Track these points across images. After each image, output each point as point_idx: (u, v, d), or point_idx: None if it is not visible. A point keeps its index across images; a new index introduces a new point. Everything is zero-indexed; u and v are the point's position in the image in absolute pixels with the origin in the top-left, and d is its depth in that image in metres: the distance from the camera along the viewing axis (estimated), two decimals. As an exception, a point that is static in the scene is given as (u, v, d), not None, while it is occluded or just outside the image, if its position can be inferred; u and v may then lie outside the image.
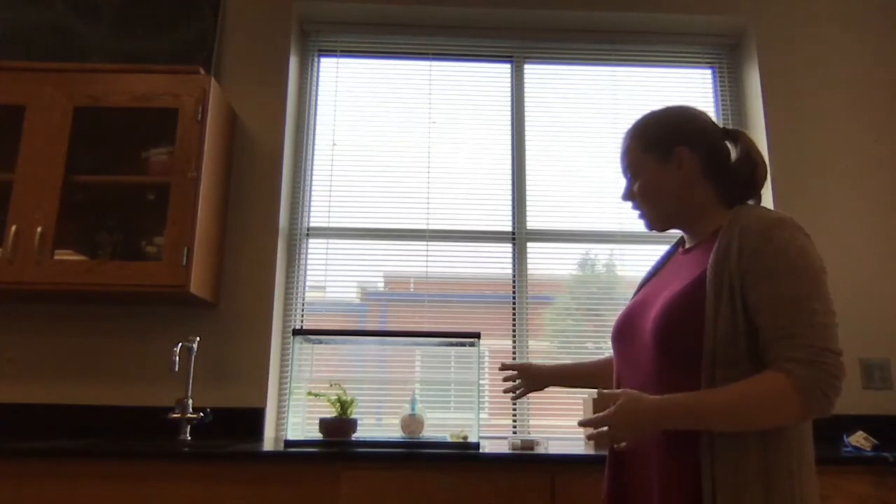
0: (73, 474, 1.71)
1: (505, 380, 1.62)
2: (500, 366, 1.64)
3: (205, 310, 2.38)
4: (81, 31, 2.57)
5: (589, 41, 2.84)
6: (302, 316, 2.58)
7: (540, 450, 1.84)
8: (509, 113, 2.80)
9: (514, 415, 2.49)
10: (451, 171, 2.72)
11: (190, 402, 2.18)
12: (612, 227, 2.67)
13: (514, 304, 2.60)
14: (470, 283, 2.65)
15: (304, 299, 2.60)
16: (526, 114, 2.79)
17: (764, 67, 2.68)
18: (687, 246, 1.25)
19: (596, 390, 2.10)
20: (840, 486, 1.72)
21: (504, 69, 2.85)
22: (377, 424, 2.48)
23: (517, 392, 1.60)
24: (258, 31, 2.64)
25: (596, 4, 2.72)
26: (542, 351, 2.58)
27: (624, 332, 1.22)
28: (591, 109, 2.81)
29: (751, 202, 1.20)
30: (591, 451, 1.83)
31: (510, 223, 2.68)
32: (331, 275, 2.63)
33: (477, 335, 2.07)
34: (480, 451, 1.80)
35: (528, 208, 2.69)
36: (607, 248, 2.69)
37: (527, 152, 2.75)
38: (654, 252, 2.61)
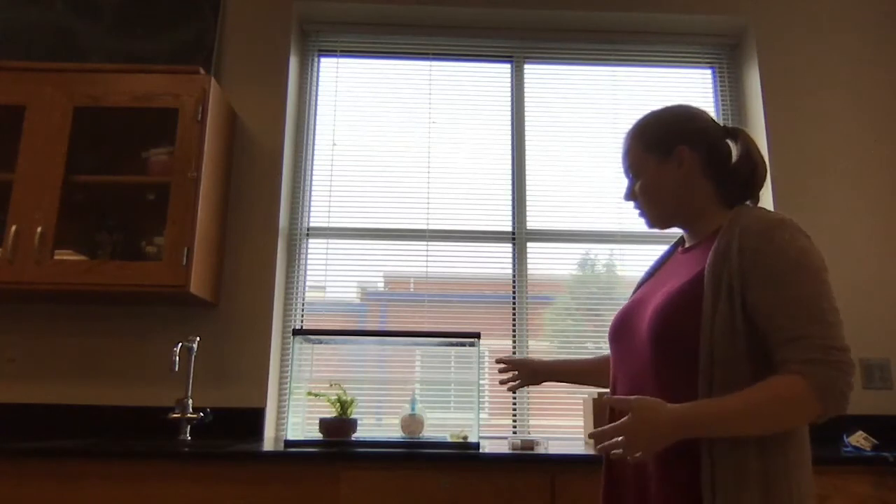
0: (74, 474, 1.71)
1: (501, 371, 1.62)
2: (496, 359, 1.64)
3: (205, 310, 2.38)
4: (81, 31, 2.57)
5: (589, 41, 2.84)
6: (302, 316, 2.58)
7: (540, 450, 1.84)
8: (509, 113, 2.80)
9: (514, 415, 2.49)
10: (451, 171, 2.72)
11: (190, 402, 2.18)
12: (612, 227, 2.67)
13: (514, 304, 2.61)
14: (470, 283, 2.65)
15: (304, 299, 2.60)
16: (526, 114, 2.79)
17: (764, 67, 2.68)
18: (686, 245, 1.25)
19: (597, 392, 2.11)
20: (840, 486, 1.72)
21: (504, 69, 2.85)
22: (377, 424, 2.48)
23: (514, 384, 1.59)
24: (258, 31, 2.64)
25: (596, 4, 2.72)
26: (542, 351, 2.58)
27: (621, 330, 1.22)
28: (591, 109, 2.81)
29: (750, 202, 1.20)
30: (591, 452, 1.83)
31: (510, 223, 2.68)
32: (331, 275, 2.63)
33: (477, 335, 2.07)
34: (480, 451, 1.80)
35: (528, 208, 2.69)
36: (607, 248, 2.69)
37: (527, 152, 2.75)
38: (653, 252, 2.61)
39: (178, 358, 2.07)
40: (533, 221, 2.68)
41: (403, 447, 1.84)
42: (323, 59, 2.84)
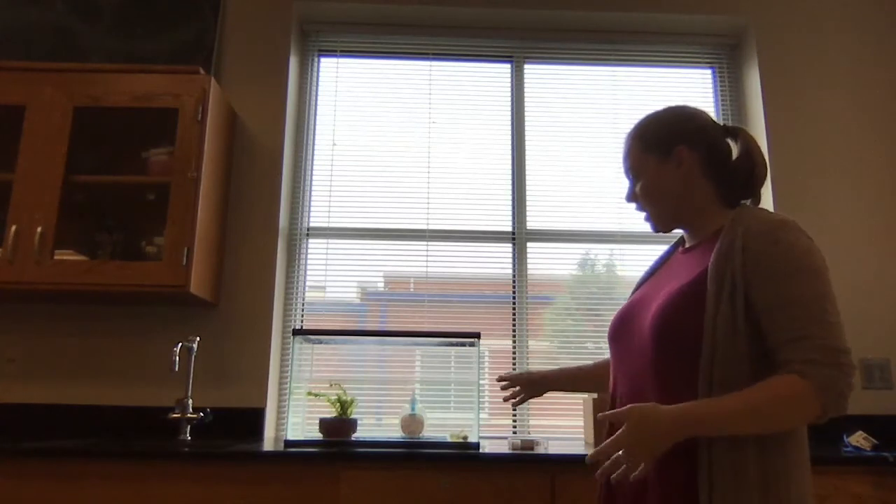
0: (74, 474, 1.71)
1: (504, 388, 1.61)
2: (497, 378, 1.63)
3: (205, 310, 2.38)
4: (81, 31, 2.57)
5: (589, 41, 2.84)
6: (302, 316, 2.58)
7: (540, 450, 1.84)
8: (509, 113, 2.80)
9: (514, 415, 2.49)
10: (451, 171, 2.72)
11: (190, 402, 2.18)
12: (612, 227, 2.67)
13: (514, 304, 2.60)
14: (470, 283, 2.65)
15: (304, 299, 2.60)
16: (526, 114, 2.79)
17: (764, 67, 2.68)
18: (687, 245, 1.25)
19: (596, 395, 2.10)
20: (840, 486, 1.72)
21: (504, 69, 2.85)
22: (377, 424, 2.48)
23: (517, 399, 1.59)
24: (258, 31, 2.64)
25: (596, 4, 2.72)
26: (542, 351, 2.58)
27: (621, 330, 1.22)
28: (591, 109, 2.81)
29: (751, 202, 1.20)
30: (591, 452, 1.83)
31: (510, 223, 2.68)
32: (331, 275, 2.63)
33: (477, 335, 2.07)
34: (480, 451, 1.80)
35: (528, 208, 2.69)
36: (607, 248, 2.69)
37: (527, 152, 2.75)
38: (653, 252, 2.61)
39: (178, 358, 2.07)
40: (533, 221, 2.68)
41: (403, 447, 1.84)
42: (323, 59, 2.84)
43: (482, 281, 2.65)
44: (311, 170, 2.71)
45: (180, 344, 2.12)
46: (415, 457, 1.74)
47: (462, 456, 1.73)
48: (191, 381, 2.22)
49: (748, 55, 2.77)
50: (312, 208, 2.67)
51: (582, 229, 2.68)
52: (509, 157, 2.75)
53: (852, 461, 1.75)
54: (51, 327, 2.35)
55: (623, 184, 1.30)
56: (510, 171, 2.73)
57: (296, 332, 2.13)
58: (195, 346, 2.23)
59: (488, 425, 2.50)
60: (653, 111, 1.28)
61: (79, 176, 2.17)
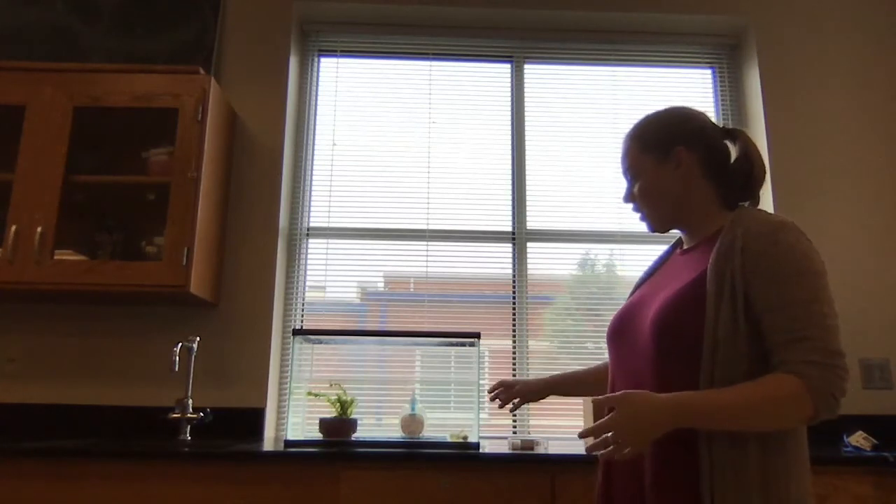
0: (74, 474, 1.71)
1: (492, 399, 1.61)
2: (490, 397, 1.63)
3: (205, 310, 2.38)
4: (81, 31, 2.57)
5: (589, 41, 2.83)
6: (302, 316, 2.58)
7: (540, 450, 1.84)
8: (509, 113, 2.80)
9: (514, 415, 2.49)
10: (451, 171, 2.72)
11: (190, 402, 2.18)
12: (612, 227, 2.67)
13: (514, 304, 2.60)
14: (470, 283, 2.65)
15: (304, 299, 2.60)
16: (526, 114, 2.79)
17: (764, 67, 2.68)
18: (685, 247, 1.25)
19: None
20: (840, 486, 1.72)
21: (504, 69, 2.85)
22: (377, 424, 2.48)
23: (512, 405, 1.59)
24: (258, 31, 2.64)
25: (596, 4, 2.72)
26: (542, 351, 2.58)
27: (620, 331, 1.22)
28: (591, 109, 2.81)
29: (750, 203, 1.20)
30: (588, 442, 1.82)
31: (510, 223, 2.68)
32: (331, 275, 2.63)
33: (477, 335, 2.07)
34: (480, 451, 1.80)
35: (528, 208, 2.69)
36: (607, 248, 2.69)
37: (527, 152, 2.75)
38: (653, 252, 2.61)
39: (178, 358, 2.07)
40: (533, 221, 2.68)
41: (403, 447, 1.84)
42: (323, 59, 2.84)
43: (482, 281, 2.65)
44: (311, 170, 2.71)
45: (180, 344, 2.12)
46: (415, 457, 1.74)
47: (462, 456, 1.73)
48: (191, 381, 2.22)
49: (748, 55, 2.77)
50: (312, 208, 2.67)
51: (582, 229, 2.68)
52: (509, 157, 2.75)
53: (852, 461, 1.75)
54: (51, 327, 2.35)
55: (622, 184, 1.30)
56: (510, 171, 2.73)
57: (296, 332, 2.13)
58: (195, 346, 2.23)
59: (488, 425, 2.50)
60: (652, 111, 1.27)
61: (79, 176, 2.17)
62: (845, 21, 2.74)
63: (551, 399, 2.52)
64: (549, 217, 2.69)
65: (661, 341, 1.08)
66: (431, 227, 2.65)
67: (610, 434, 0.98)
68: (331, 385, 2.13)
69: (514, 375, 2.52)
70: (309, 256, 2.63)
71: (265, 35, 2.64)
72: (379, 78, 2.82)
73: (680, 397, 0.99)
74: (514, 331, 2.58)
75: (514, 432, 2.47)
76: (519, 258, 2.64)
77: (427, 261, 2.63)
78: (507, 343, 2.57)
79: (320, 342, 2.42)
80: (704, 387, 1.01)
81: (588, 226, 2.68)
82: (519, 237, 2.66)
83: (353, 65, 2.83)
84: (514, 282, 2.63)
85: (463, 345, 2.28)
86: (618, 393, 1.01)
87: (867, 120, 2.64)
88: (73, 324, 2.36)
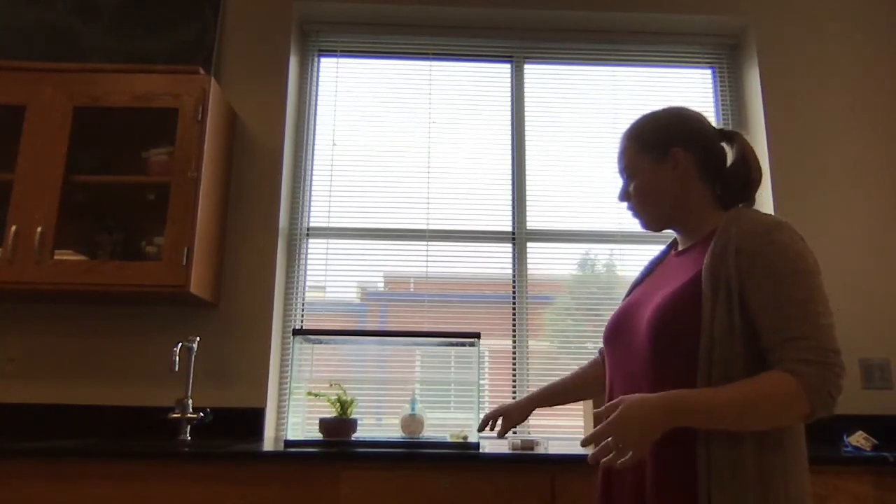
0: (74, 474, 1.71)
1: (483, 429, 1.61)
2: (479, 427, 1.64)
3: (205, 310, 2.38)
4: (81, 31, 2.57)
5: (589, 41, 2.84)
6: (302, 316, 2.58)
7: (540, 450, 1.84)
8: (509, 113, 2.80)
9: (514, 415, 2.49)
10: (451, 171, 2.72)
11: (190, 402, 2.18)
12: (612, 227, 2.67)
13: (514, 304, 2.60)
14: (470, 283, 2.65)
15: (304, 299, 2.60)
16: (526, 114, 2.79)
17: (764, 67, 2.68)
18: (680, 248, 1.26)
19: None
20: (840, 486, 1.72)
21: (504, 69, 2.85)
22: (377, 424, 2.48)
23: (502, 428, 1.58)
24: (258, 31, 2.64)
25: (596, 4, 2.72)
26: (542, 351, 2.58)
27: (617, 332, 1.22)
28: (591, 109, 2.81)
29: (744, 204, 1.20)
30: (591, 452, 1.83)
31: (510, 223, 2.68)
32: (331, 275, 2.63)
33: (477, 335, 2.07)
34: (480, 451, 1.80)
35: (528, 208, 2.69)
36: (607, 248, 2.69)
37: (527, 152, 2.75)
38: (653, 252, 2.59)
39: (178, 358, 2.07)
40: (533, 221, 2.68)
41: (403, 447, 1.84)
42: (323, 59, 2.84)
43: (482, 281, 2.65)
44: (311, 170, 2.71)
45: (180, 344, 2.12)
46: (415, 457, 1.74)
47: (462, 456, 1.73)
48: (191, 381, 2.22)
49: (748, 55, 2.77)
50: (312, 208, 2.67)
51: (582, 229, 2.68)
52: (509, 157, 2.75)
53: (852, 461, 1.75)
54: (51, 327, 2.35)
55: (622, 183, 1.30)
56: (510, 171, 2.73)
57: (296, 332, 2.13)
58: (195, 346, 2.23)
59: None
60: (649, 111, 1.28)
61: (79, 176, 2.17)
62: (845, 21, 2.74)
63: (551, 399, 2.52)
64: (549, 217, 2.69)
65: (658, 342, 1.08)
66: (431, 227, 2.66)
67: (610, 440, 0.98)
68: (331, 385, 2.13)
69: (514, 375, 2.52)
70: (309, 256, 2.63)
71: (265, 35, 2.64)
72: (379, 78, 2.82)
73: (675, 395, 0.99)
74: (514, 331, 2.58)
75: (514, 432, 2.47)
76: (519, 258, 2.64)
77: (427, 261, 2.63)
78: (507, 343, 2.57)
79: (320, 342, 2.42)
80: (702, 385, 1.02)
81: (588, 226, 2.68)
82: (519, 237, 2.66)
83: (353, 65, 2.83)
84: (514, 282, 2.63)
85: (463, 345, 2.28)
86: (614, 401, 1.01)
87: (867, 120, 2.64)
88: (73, 324, 2.36)
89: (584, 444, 1.02)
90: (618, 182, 1.31)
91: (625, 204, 1.28)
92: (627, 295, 1.31)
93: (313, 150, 2.74)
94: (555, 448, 1.89)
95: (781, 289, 1.01)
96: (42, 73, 2.20)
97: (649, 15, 2.73)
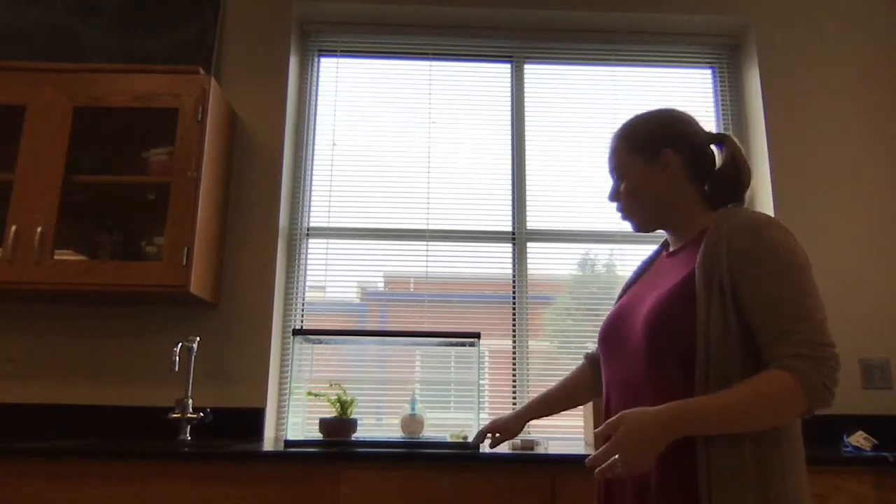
0: (74, 474, 1.71)
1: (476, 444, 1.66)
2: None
3: (205, 310, 2.38)
4: (81, 31, 2.57)
5: (589, 41, 2.84)
6: (302, 316, 2.58)
7: (540, 450, 1.84)
8: (509, 113, 2.80)
9: (514, 415, 2.49)
10: (451, 171, 2.72)
11: (190, 402, 2.18)
12: (612, 227, 2.67)
13: (514, 304, 2.60)
14: (470, 283, 2.65)
15: (304, 299, 2.60)
16: (526, 114, 2.79)
17: (764, 67, 2.68)
18: (671, 249, 1.26)
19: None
20: (840, 486, 1.72)
21: (504, 69, 2.85)
22: (377, 424, 2.48)
23: (494, 442, 1.61)
24: (258, 31, 2.64)
25: (596, 4, 2.72)
26: (542, 351, 2.58)
27: (612, 335, 1.22)
28: (591, 109, 2.81)
29: (734, 205, 1.21)
30: (591, 452, 1.82)
31: (510, 223, 2.68)
32: (331, 275, 2.63)
33: (477, 335, 2.07)
34: (480, 451, 1.80)
35: (528, 208, 2.69)
36: (607, 248, 2.69)
37: (527, 152, 2.75)
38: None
39: (178, 358, 2.07)
40: (533, 221, 2.68)
41: (403, 447, 1.84)
42: (323, 59, 2.84)
43: (482, 281, 2.65)
44: (311, 170, 2.71)
45: (180, 344, 2.12)
46: (415, 457, 1.74)
47: (462, 456, 1.73)
48: (191, 381, 2.22)
49: (748, 55, 2.77)
50: (312, 208, 2.67)
51: (582, 229, 2.68)
52: (509, 157, 2.75)
53: (852, 461, 1.75)
54: (51, 327, 2.35)
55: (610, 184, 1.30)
56: (510, 171, 2.73)
57: (296, 332, 2.13)
58: (195, 346, 2.23)
59: (488, 425, 2.50)
60: (640, 112, 1.28)
61: (79, 176, 2.17)
62: (845, 21, 2.74)
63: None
64: (549, 217, 2.69)
65: (655, 342, 1.08)
66: (431, 227, 2.66)
67: (616, 457, 0.98)
68: (331, 385, 2.13)
69: (514, 375, 2.52)
70: (309, 256, 2.63)
71: (265, 35, 2.64)
72: (379, 78, 2.82)
73: (674, 407, 0.99)
74: (514, 331, 2.58)
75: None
76: (519, 258, 2.64)
77: (427, 261, 2.63)
78: (507, 343, 2.57)
79: (320, 342, 2.43)
80: (700, 385, 1.02)
81: (588, 226, 2.68)
82: (519, 237, 2.66)
83: (353, 65, 2.83)
84: (514, 282, 2.63)
85: (463, 345, 2.28)
86: (614, 418, 1.01)
87: (867, 120, 2.64)
88: (73, 324, 2.36)
89: (590, 464, 1.02)
90: (615, 182, 1.31)
91: (615, 204, 1.29)
92: (620, 297, 1.32)
93: (313, 150, 2.74)
94: (555, 448, 1.89)
95: (773, 285, 1.02)
96: (42, 73, 2.20)
97: (649, 15, 2.73)
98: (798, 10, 2.75)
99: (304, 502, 1.70)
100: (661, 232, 1.28)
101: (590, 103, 2.82)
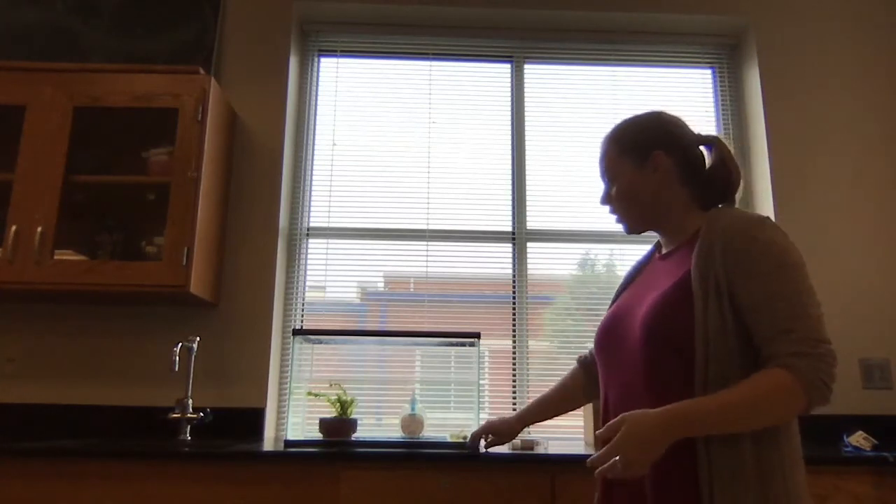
0: (73, 474, 1.71)
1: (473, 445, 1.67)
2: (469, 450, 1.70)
3: (205, 310, 2.38)
4: (81, 31, 2.57)
5: (589, 41, 2.84)
6: (302, 316, 2.58)
7: (540, 450, 1.84)
8: (509, 113, 2.80)
9: (514, 415, 2.49)
10: (451, 171, 2.72)
11: (190, 402, 2.18)
12: (612, 228, 2.66)
13: (514, 304, 2.60)
14: (470, 283, 2.65)
15: (304, 299, 2.60)
16: (526, 114, 2.79)
17: (764, 67, 2.68)
18: (664, 251, 1.27)
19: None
20: (840, 486, 1.72)
21: (504, 69, 2.85)
22: (377, 424, 2.48)
23: (488, 444, 1.64)
24: (258, 31, 2.64)
25: (596, 4, 2.72)
26: (542, 351, 2.58)
27: (609, 337, 1.22)
28: (591, 109, 2.81)
29: (725, 205, 1.22)
30: (591, 452, 1.82)
31: (510, 223, 2.68)
32: (331, 275, 2.63)
33: (477, 335, 2.07)
34: (480, 451, 1.80)
35: (528, 208, 2.69)
36: (607, 248, 2.69)
37: (527, 152, 2.75)
38: (654, 252, 2.61)
39: (178, 358, 2.07)
40: (533, 221, 2.68)
41: (403, 447, 1.84)
42: (323, 59, 2.84)
43: (482, 281, 2.65)
44: (311, 170, 2.71)
45: (180, 344, 2.12)
46: (415, 457, 1.74)
47: (462, 456, 1.73)
48: (191, 381, 2.22)
49: (748, 55, 2.77)
50: (312, 208, 2.67)
51: (582, 229, 2.68)
52: (509, 157, 2.75)
53: (852, 461, 1.75)
54: (51, 327, 2.35)
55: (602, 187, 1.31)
56: (510, 171, 2.73)
57: (296, 332, 2.13)
58: (195, 346, 2.23)
59: (488, 425, 2.50)
60: (630, 116, 1.29)
61: (79, 176, 2.17)
62: (846, 21, 2.74)
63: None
64: (549, 217, 2.69)
65: (653, 343, 1.08)
66: (431, 227, 2.66)
67: (616, 459, 0.98)
68: (331, 385, 2.13)
69: (513, 375, 2.52)
70: (309, 256, 2.63)
71: (265, 35, 2.64)
72: (379, 78, 2.82)
73: (674, 409, 0.99)
74: (514, 331, 2.58)
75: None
76: (519, 258, 2.64)
77: (427, 261, 2.63)
78: (507, 343, 2.57)
79: (320, 342, 2.42)
80: (699, 385, 1.03)
81: (588, 226, 2.68)
82: (519, 237, 2.66)
83: (353, 65, 2.83)
84: (514, 282, 2.63)
85: (463, 345, 2.28)
86: (614, 420, 1.01)
87: (867, 120, 2.64)
88: (73, 324, 2.36)
89: (591, 465, 1.02)
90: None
91: (607, 207, 1.30)
92: (614, 300, 1.32)
93: (313, 150, 2.74)
94: (555, 448, 1.89)
95: (768, 285, 1.03)
96: (42, 73, 2.20)
97: (649, 15, 2.73)
98: (798, 10, 2.75)
99: (304, 502, 1.70)
100: (641, 234, 1.29)
101: (590, 103, 2.82)
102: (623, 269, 2.68)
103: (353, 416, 2.03)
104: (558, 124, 2.79)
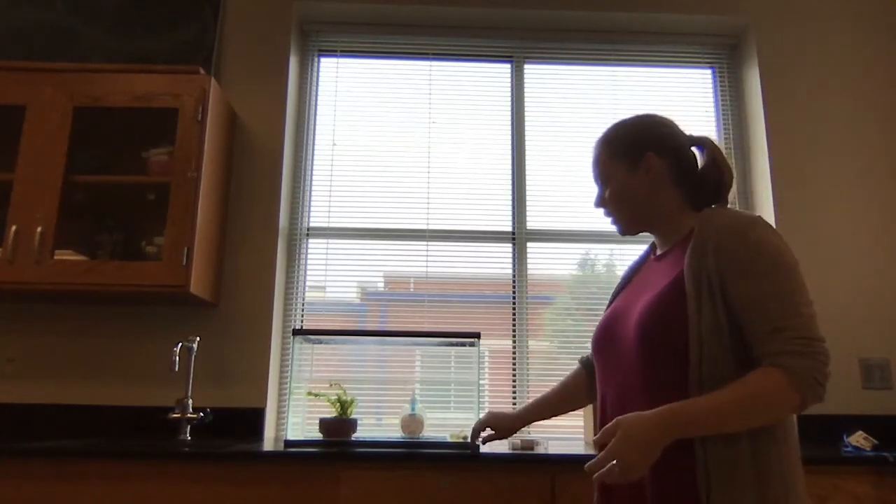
0: (74, 474, 1.71)
1: (474, 441, 1.65)
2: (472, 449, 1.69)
3: (205, 310, 2.38)
4: (81, 31, 2.57)
5: (589, 41, 2.84)
6: (302, 316, 2.58)
7: (540, 450, 1.84)
8: (509, 113, 2.80)
9: (514, 415, 2.49)
10: (451, 171, 2.72)
11: (190, 402, 2.18)
12: (612, 228, 2.65)
13: (514, 304, 2.60)
14: (470, 283, 2.65)
15: (304, 299, 2.60)
16: (526, 114, 2.79)
17: (764, 67, 2.68)
18: (659, 252, 1.27)
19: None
20: (840, 486, 1.72)
21: (504, 69, 2.85)
22: (377, 424, 2.48)
23: (486, 438, 1.61)
24: (258, 31, 2.64)
25: (596, 4, 2.72)
26: (542, 351, 2.58)
27: (605, 339, 1.23)
28: (591, 109, 2.81)
29: (717, 205, 1.22)
30: (591, 452, 1.83)
31: (510, 223, 2.68)
32: (331, 275, 2.63)
33: (477, 335, 2.07)
34: (480, 450, 1.80)
35: (528, 208, 2.69)
36: (607, 248, 2.69)
37: (527, 152, 2.75)
38: (654, 252, 2.61)
39: (178, 358, 2.07)
40: (533, 221, 2.68)
41: (403, 447, 1.84)
42: (323, 59, 2.84)
43: (482, 281, 2.65)
44: (311, 170, 2.71)
45: (180, 344, 2.12)
46: (415, 457, 1.74)
47: (462, 456, 1.73)
48: (191, 381, 2.22)
49: (748, 55, 2.77)
50: (312, 208, 2.67)
51: (582, 229, 2.68)
52: (509, 157, 2.75)
53: (852, 461, 1.75)
54: (51, 327, 2.35)
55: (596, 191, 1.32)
56: (510, 171, 2.73)
57: (296, 332, 2.13)
58: (195, 346, 2.23)
59: (488, 425, 2.50)
60: (621, 119, 1.30)
61: (79, 176, 2.17)
62: (846, 21, 2.74)
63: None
64: (549, 217, 2.69)
65: (647, 344, 1.09)
66: (431, 227, 2.66)
67: (613, 463, 0.98)
68: (331, 385, 2.13)
69: (513, 375, 2.52)
70: (309, 256, 2.63)
71: (265, 35, 2.64)
72: (379, 78, 2.82)
73: (669, 410, 0.99)
74: (514, 331, 2.58)
75: (514, 432, 2.47)
76: (519, 258, 2.64)
77: (427, 261, 2.63)
78: (507, 343, 2.57)
79: (320, 342, 2.43)
80: (694, 385, 1.03)
81: (588, 226, 2.68)
82: (519, 237, 2.66)
83: (353, 65, 2.83)
84: (514, 282, 2.63)
85: (463, 345, 2.28)
86: (610, 424, 1.01)
87: (867, 120, 2.64)
88: (73, 324, 2.36)
89: (589, 469, 1.02)
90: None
91: (601, 210, 1.30)
92: (611, 302, 1.32)
93: (313, 150, 2.74)
94: (555, 448, 1.89)
95: (761, 285, 1.03)
96: (42, 73, 2.20)
97: (649, 15, 2.73)
98: (798, 10, 2.75)
99: (304, 502, 1.70)
100: (633, 235, 1.30)
101: (590, 103, 2.82)
102: (622, 269, 2.66)
103: (353, 416, 2.03)
104: (558, 124, 2.79)
